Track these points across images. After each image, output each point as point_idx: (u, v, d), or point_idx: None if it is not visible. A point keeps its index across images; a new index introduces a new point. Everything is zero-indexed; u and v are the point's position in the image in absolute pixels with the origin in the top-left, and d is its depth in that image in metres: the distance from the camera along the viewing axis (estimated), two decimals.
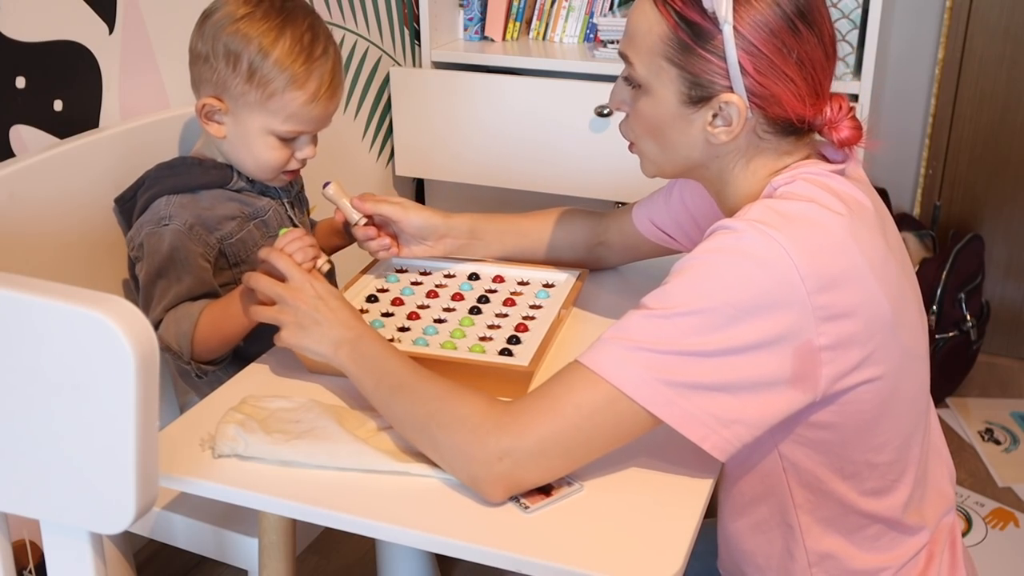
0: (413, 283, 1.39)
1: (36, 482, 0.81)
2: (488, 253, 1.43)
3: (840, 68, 2.07)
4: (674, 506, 0.98)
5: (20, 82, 1.46)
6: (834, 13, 2.08)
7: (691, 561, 0.95)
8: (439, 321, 1.29)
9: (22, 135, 1.47)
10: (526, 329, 1.26)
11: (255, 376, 1.22)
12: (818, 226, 0.95)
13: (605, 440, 0.96)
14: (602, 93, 2.14)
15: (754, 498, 1.08)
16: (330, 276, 1.36)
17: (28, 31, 1.45)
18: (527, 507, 0.97)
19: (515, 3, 2.48)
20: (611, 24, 2.26)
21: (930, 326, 2.43)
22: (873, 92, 2.10)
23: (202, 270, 1.33)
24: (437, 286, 1.38)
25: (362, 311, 1.32)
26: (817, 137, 1.06)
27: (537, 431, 0.95)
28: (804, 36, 0.98)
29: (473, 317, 1.29)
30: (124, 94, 1.63)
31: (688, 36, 0.98)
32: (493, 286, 1.38)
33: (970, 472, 2.30)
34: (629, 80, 1.06)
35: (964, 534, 2.10)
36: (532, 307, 1.32)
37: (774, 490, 1.06)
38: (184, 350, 1.28)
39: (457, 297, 1.35)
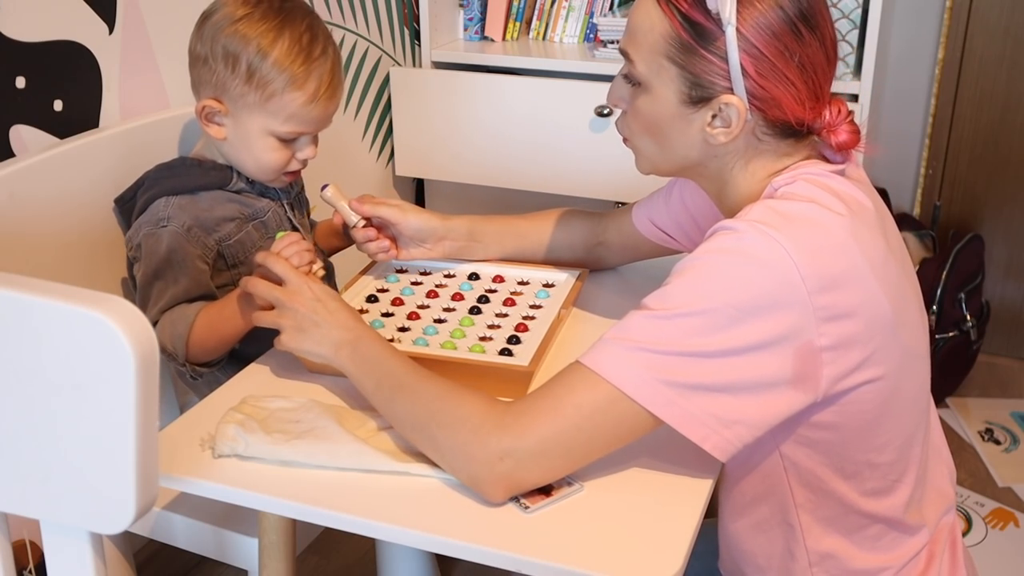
0: (413, 283, 1.39)
1: (36, 482, 0.81)
2: (487, 255, 1.43)
3: (840, 68, 2.07)
4: (674, 506, 0.98)
5: (20, 82, 1.46)
6: (834, 13, 2.08)
7: (691, 561, 0.95)
8: (439, 321, 1.29)
9: (22, 135, 1.47)
10: (526, 329, 1.26)
11: (255, 376, 1.22)
12: (819, 227, 0.95)
13: (606, 440, 0.96)
14: (602, 93, 2.14)
15: (755, 498, 1.08)
16: (329, 278, 1.37)
17: (28, 31, 1.45)
18: (527, 507, 0.97)
19: (515, 3, 2.48)
20: (611, 24, 2.26)
21: (930, 326, 2.43)
22: (873, 92, 2.10)
23: (199, 272, 1.33)
24: (437, 286, 1.38)
25: (362, 311, 1.32)
26: (816, 138, 1.06)
27: (538, 431, 0.95)
28: (806, 39, 0.98)
29: (473, 317, 1.29)
30: (124, 94, 1.63)
31: (691, 36, 0.98)
32: (493, 286, 1.38)
33: (970, 472, 2.30)
34: (629, 78, 1.06)
35: (964, 534, 2.10)
36: (532, 307, 1.32)
37: (775, 490, 1.06)
38: (179, 352, 1.28)
39: (457, 297, 1.35)
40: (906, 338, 1.01)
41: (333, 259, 1.57)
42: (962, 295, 2.50)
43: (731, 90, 0.99)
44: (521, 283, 1.39)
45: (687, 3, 0.98)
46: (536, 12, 2.49)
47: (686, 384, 0.93)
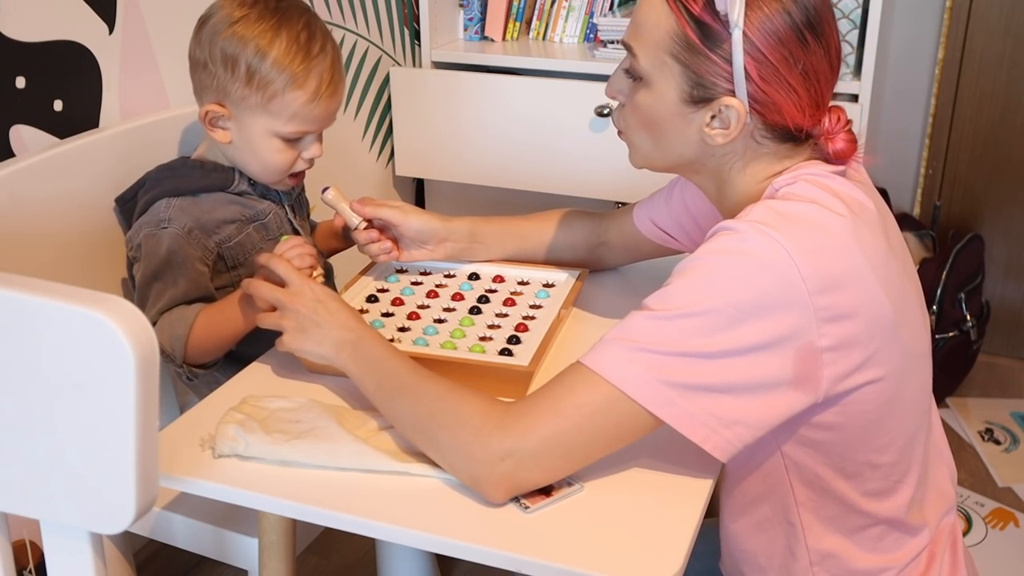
0: (413, 283, 1.39)
1: (36, 482, 0.81)
2: (488, 256, 1.43)
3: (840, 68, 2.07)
4: (674, 506, 0.98)
5: (20, 82, 1.46)
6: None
7: (692, 561, 0.95)
8: (439, 321, 1.29)
9: (22, 135, 1.47)
10: (526, 329, 1.26)
11: (255, 376, 1.22)
12: (819, 227, 0.95)
13: (607, 441, 0.96)
14: (602, 93, 2.13)
15: (756, 497, 1.08)
16: (328, 280, 1.36)
17: (28, 31, 1.45)
18: (527, 507, 0.97)
19: (515, 3, 2.48)
20: (611, 24, 2.27)
21: (930, 326, 2.43)
22: (873, 92, 2.10)
23: (199, 274, 1.33)
24: (437, 286, 1.38)
25: (362, 311, 1.32)
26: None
27: (539, 432, 0.95)
28: (812, 47, 0.98)
29: (473, 317, 1.29)
30: (124, 94, 1.63)
31: (696, 36, 0.98)
32: (493, 286, 1.38)
33: (970, 472, 2.30)
34: (630, 72, 1.06)
35: (964, 534, 2.10)
36: (532, 307, 1.32)
37: (776, 489, 1.06)
38: (177, 353, 1.28)
39: (457, 297, 1.35)
40: (907, 339, 1.01)
41: (332, 261, 1.57)
42: (962, 295, 2.50)
43: (732, 92, 0.99)
44: (521, 283, 1.39)
45: (696, 3, 0.98)
46: (536, 12, 2.49)
47: (687, 384, 0.93)
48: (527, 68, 2.36)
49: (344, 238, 1.54)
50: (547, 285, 1.38)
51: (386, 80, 2.39)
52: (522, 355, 1.19)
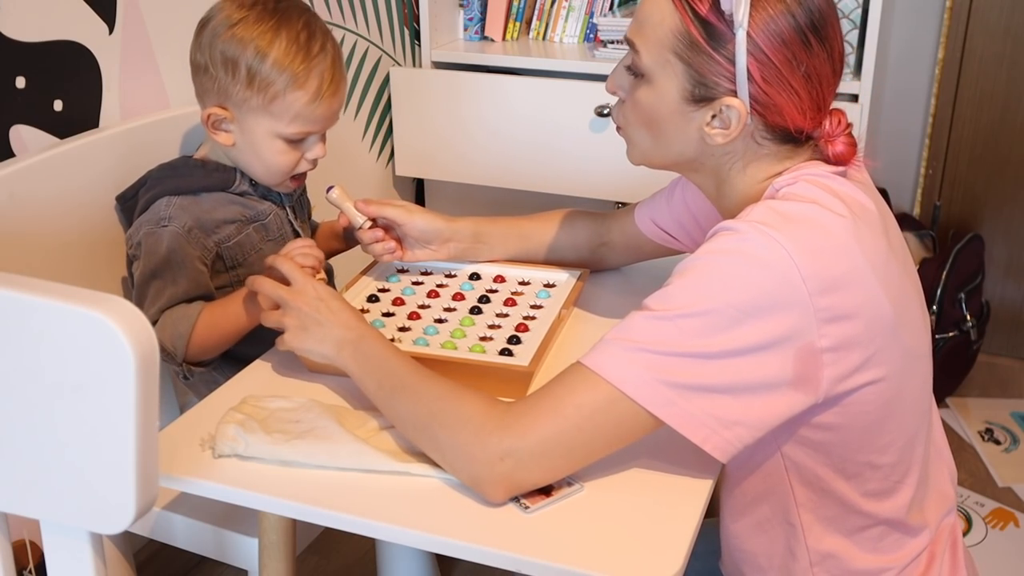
0: (414, 283, 1.39)
1: (36, 482, 0.81)
2: (492, 256, 1.43)
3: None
4: (674, 506, 0.98)
5: (20, 82, 1.46)
6: None
7: (692, 561, 0.95)
8: (440, 321, 1.29)
9: (22, 135, 1.47)
10: (526, 329, 1.26)
11: (255, 376, 1.22)
12: (820, 228, 0.95)
13: (607, 441, 0.96)
14: (602, 93, 2.14)
15: (756, 497, 1.08)
16: (328, 281, 1.36)
17: (28, 31, 1.45)
18: (527, 507, 0.97)
19: (515, 3, 2.48)
20: (611, 24, 2.27)
21: (930, 326, 2.43)
22: (873, 92, 2.10)
23: (199, 273, 1.33)
24: (438, 286, 1.38)
25: (363, 311, 1.32)
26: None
27: (539, 432, 0.95)
28: (815, 50, 0.98)
29: (474, 317, 1.29)
30: (124, 94, 1.63)
31: (700, 35, 0.98)
32: (494, 286, 1.38)
33: (970, 472, 2.30)
34: (631, 68, 1.06)
35: (964, 534, 2.10)
36: (533, 307, 1.32)
37: (776, 489, 1.06)
38: (178, 351, 1.28)
39: (458, 297, 1.35)
40: (908, 339, 1.01)
41: (332, 262, 1.57)
42: (962, 295, 2.50)
43: (734, 92, 0.99)
44: (522, 283, 1.39)
45: (702, 2, 0.98)
46: (536, 12, 2.49)
47: (686, 385, 0.93)
48: (527, 68, 2.36)
49: (345, 239, 1.54)
50: (548, 285, 1.38)
51: (386, 80, 2.39)
52: (522, 355, 1.19)
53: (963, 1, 2.54)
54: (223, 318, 1.29)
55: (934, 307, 2.44)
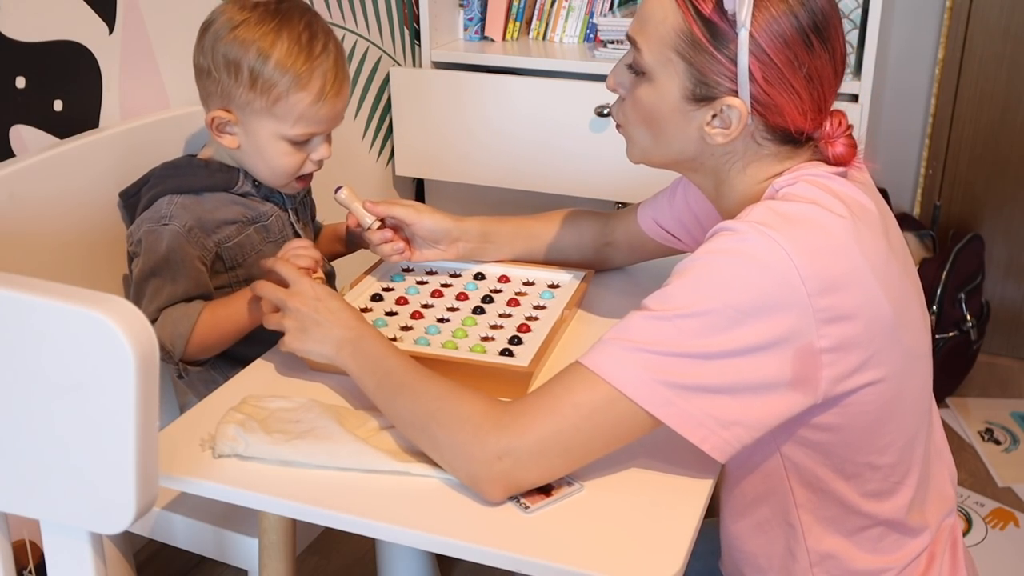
0: (418, 282, 1.39)
1: (36, 482, 0.81)
2: (499, 256, 1.43)
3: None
4: (674, 506, 0.98)
5: (20, 82, 1.46)
6: None
7: (692, 561, 0.95)
8: (442, 320, 1.29)
9: (22, 135, 1.47)
10: (528, 330, 1.26)
11: (255, 376, 1.22)
12: (819, 228, 0.95)
13: (605, 441, 0.96)
14: (602, 93, 2.14)
15: (756, 498, 1.08)
16: (329, 284, 1.36)
17: (28, 31, 1.45)
18: (527, 507, 0.97)
19: (515, 3, 2.48)
20: (611, 24, 2.27)
21: (930, 326, 2.43)
22: (873, 92, 2.10)
23: (198, 272, 1.33)
24: (442, 285, 1.38)
25: (366, 310, 1.32)
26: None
27: (537, 431, 0.95)
28: (817, 51, 0.98)
29: (476, 317, 1.29)
30: (124, 94, 1.63)
31: (703, 34, 0.98)
32: (498, 286, 1.38)
33: (970, 472, 2.30)
34: (633, 66, 1.06)
35: (964, 534, 2.10)
36: (536, 307, 1.32)
37: (775, 490, 1.06)
38: (177, 350, 1.28)
39: (461, 297, 1.35)
40: (907, 340, 1.01)
41: (334, 265, 1.57)
42: (962, 295, 2.50)
43: (735, 92, 0.99)
44: (526, 283, 1.39)
45: (706, 2, 0.97)
46: (536, 12, 2.49)
47: (685, 385, 0.93)
48: (527, 68, 2.36)
49: (347, 242, 1.54)
50: (552, 286, 1.38)
51: (386, 80, 2.39)
52: (522, 355, 1.19)
53: (963, 1, 2.54)
54: (224, 318, 1.29)
55: (934, 307, 2.44)
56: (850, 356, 0.95)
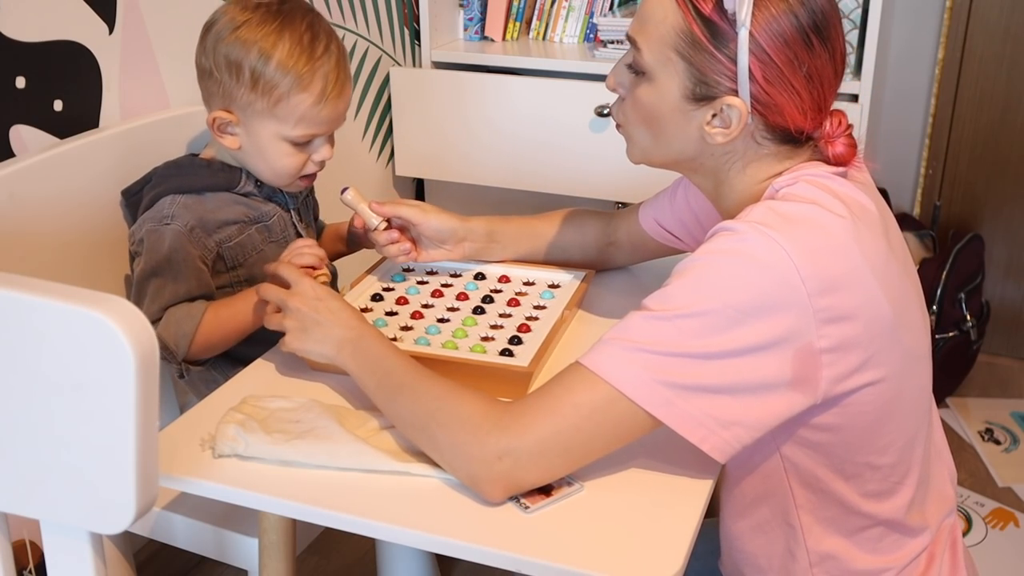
0: (419, 282, 1.39)
1: (36, 482, 0.81)
2: (504, 256, 1.43)
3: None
4: (674, 506, 0.98)
5: (20, 82, 1.46)
6: None
7: (691, 561, 0.95)
8: (442, 320, 1.29)
9: (22, 135, 1.47)
10: (528, 330, 1.26)
11: (255, 376, 1.22)
12: (819, 228, 0.95)
13: (605, 441, 0.96)
14: (602, 93, 2.14)
15: (755, 499, 1.08)
16: (332, 284, 1.36)
17: (28, 31, 1.45)
18: (527, 507, 0.97)
19: (515, 3, 2.48)
20: (611, 24, 2.27)
21: (930, 326, 2.43)
22: (873, 92, 2.10)
23: (200, 272, 1.33)
24: (443, 285, 1.38)
25: (366, 310, 1.32)
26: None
27: (537, 431, 0.95)
28: (817, 51, 0.98)
29: (476, 317, 1.29)
30: (124, 94, 1.63)
31: (703, 33, 0.98)
32: (498, 286, 1.38)
33: (970, 472, 2.30)
34: (633, 66, 1.06)
35: (964, 534, 2.10)
36: (536, 308, 1.32)
37: (775, 490, 1.06)
38: (180, 350, 1.28)
39: (462, 297, 1.35)
40: (907, 340, 1.01)
41: (336, 264, 1.57)
42: (962, 295, 2.50)
43: (735, 92, 0.99)
44: (526, 284, 1.39)
45: (706, 1, 0.97)
46: (536, 12, 2.49)
47: (685, 385, 0.93)
48: (527, 68, 2.36)
49: (349, 241, 1.54)
50: (552, 286, 1.38)
51: (386, 80, 2.39)
52: (522, 355, 1.19)
53: (963, 1, 2.54)
54: (228, 319, 1.29)
55: (934, 307, 2.44)
56: (850, 356, 0.95)
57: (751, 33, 0.96)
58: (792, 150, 1.03)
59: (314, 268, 1.25)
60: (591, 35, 2.46)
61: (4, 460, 0.81)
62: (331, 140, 1.38)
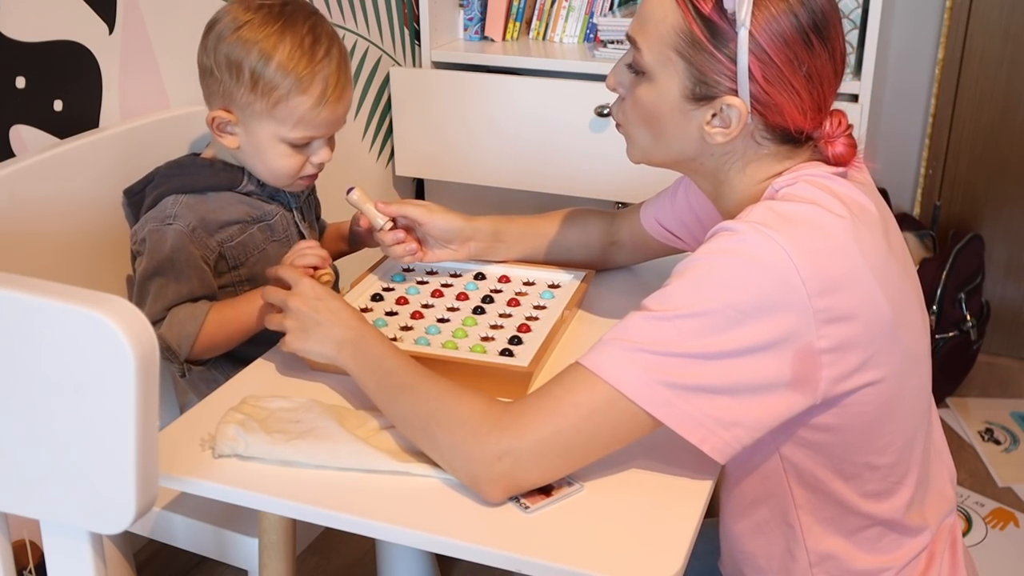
0: (419, 282, 1.39)
1: (36, 482, 0.81)
2: (508, 255, 1.42)
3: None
4: (674, 506, 0.98)
5: (20, 82, 1.46)
6: None
7: (691, 561, 0.95)
8: (442, 320, 1.29)
9: (22, 135, 1.47)
10: (528, 330, 1.26)
11: (255, 376, 1.22)
12: (819, 228, 0.95)
13: (605, 441, 0.96)
14: (602, 93, 2.14)
15: (755, 499, 1.08)
16: (334, 284, 1.36)
17: (28, 31, 1.45)
18: (527, 507, 0.97)
19: (515, 3, 2.48)
20: (611, 24, 2.27)
21: (930, 326, 2.43)
22: (873, 92, 2.10)
23: (202, 272, 1.33)
24: (443, 285, 1.38)
25: (366, 310, 1.32)
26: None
27: (537, 431, 0.95)
28: (817, 51, 0.98)
29: (476, 317, 1.29)
30: (124, 94, 1.63)
31: (703, 33, 0.98)
32: (498, 286, 1.38)
33: (970, 472, 2.30)
34: (632, 66, 1.06)
35: (964, 534, 2.10)
36: (536, 308, 1.32)
37: (775, 491, 1.06)
38: (183, 350, 1.28)
39: (462, 297, 1.35)
40: (907, 340, 1.01)
41: (337, 264, 1.57)
42: (962, 295, 2.50)
43: (735, 92, 0.99)
44: (526, 284, 1.39)
45: (706, 1, 0.97)
46: (536, 12, 2.49)
47: (685, 385, 0.93)
48: (527, 68, 2.36)
49: (351, 241, 1.54)
50: (552, 286, 1.38)
51: (386, 80, 2.39)
52: (522, 355, 1.19)
53: (963, 1, 2.54)
54: (231, 320, 1.29)
55: (934, 307, 2.44)
56: (849, 356, 0.95)
57: (751, 33, 0.96)
58: (792, 150, 1.03)
59: (317, 268, 1.25)
60: (591, 35, 2.46)
61: (4, 460, 0.81)
62: (330, 142, 1.38)
